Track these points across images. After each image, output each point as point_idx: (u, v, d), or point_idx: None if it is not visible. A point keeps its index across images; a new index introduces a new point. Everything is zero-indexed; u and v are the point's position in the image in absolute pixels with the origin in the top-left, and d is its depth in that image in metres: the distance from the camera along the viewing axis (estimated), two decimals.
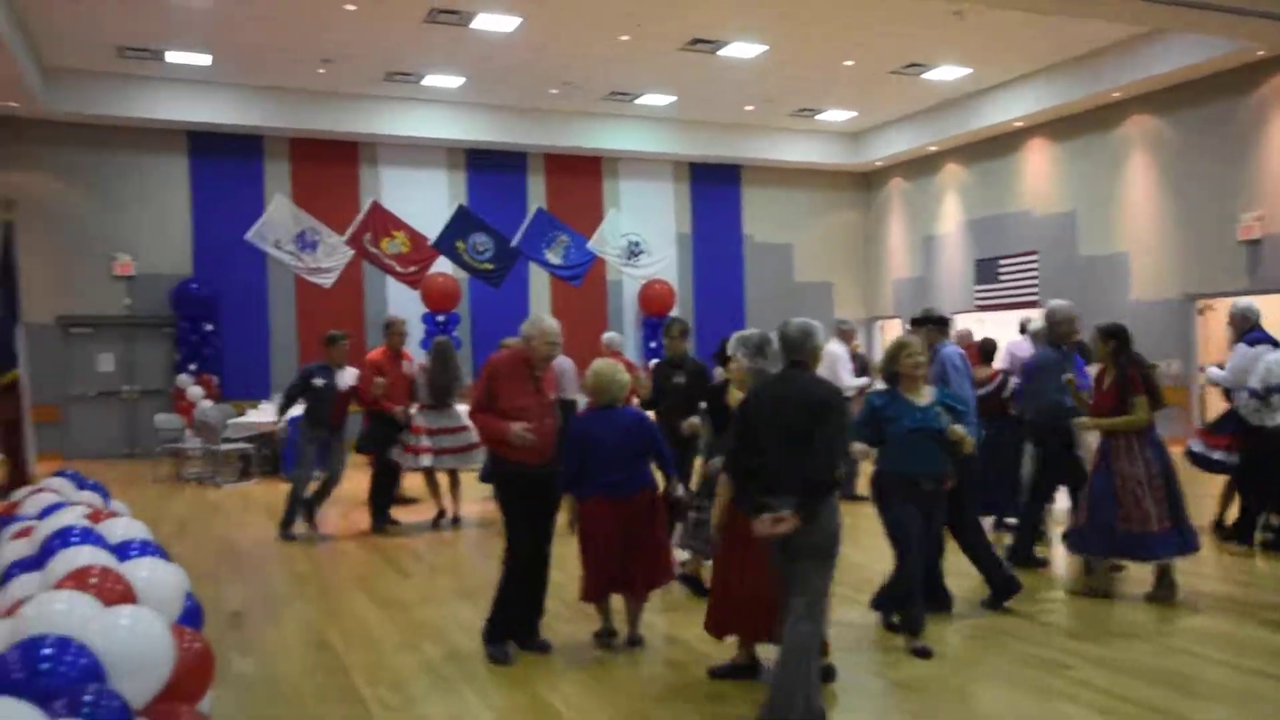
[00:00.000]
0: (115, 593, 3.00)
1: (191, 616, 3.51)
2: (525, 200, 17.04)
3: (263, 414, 12.63)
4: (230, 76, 14.33)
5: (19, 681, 2.27)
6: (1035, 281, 15.71)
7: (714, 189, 18.44)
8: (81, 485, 5.61)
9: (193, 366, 14.65)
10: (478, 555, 7.52)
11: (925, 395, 4.91)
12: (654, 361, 9.35)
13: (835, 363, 8.85)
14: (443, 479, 8.82)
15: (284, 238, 15.57)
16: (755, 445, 3.83)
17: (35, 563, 3.63)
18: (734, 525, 4.25)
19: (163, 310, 14.99)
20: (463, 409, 8.86)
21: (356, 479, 9.53)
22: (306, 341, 15.42)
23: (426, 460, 8.57)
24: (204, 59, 13.44)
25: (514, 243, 16.64)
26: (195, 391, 14.01)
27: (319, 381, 8.47)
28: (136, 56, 13.27)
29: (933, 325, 6.26)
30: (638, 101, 16.03)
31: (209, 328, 14.93)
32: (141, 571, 3.26)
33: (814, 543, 3.73)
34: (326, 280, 15.80)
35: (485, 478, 7.06)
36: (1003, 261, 16.38)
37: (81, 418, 14.63)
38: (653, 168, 17.92)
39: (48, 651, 2.35)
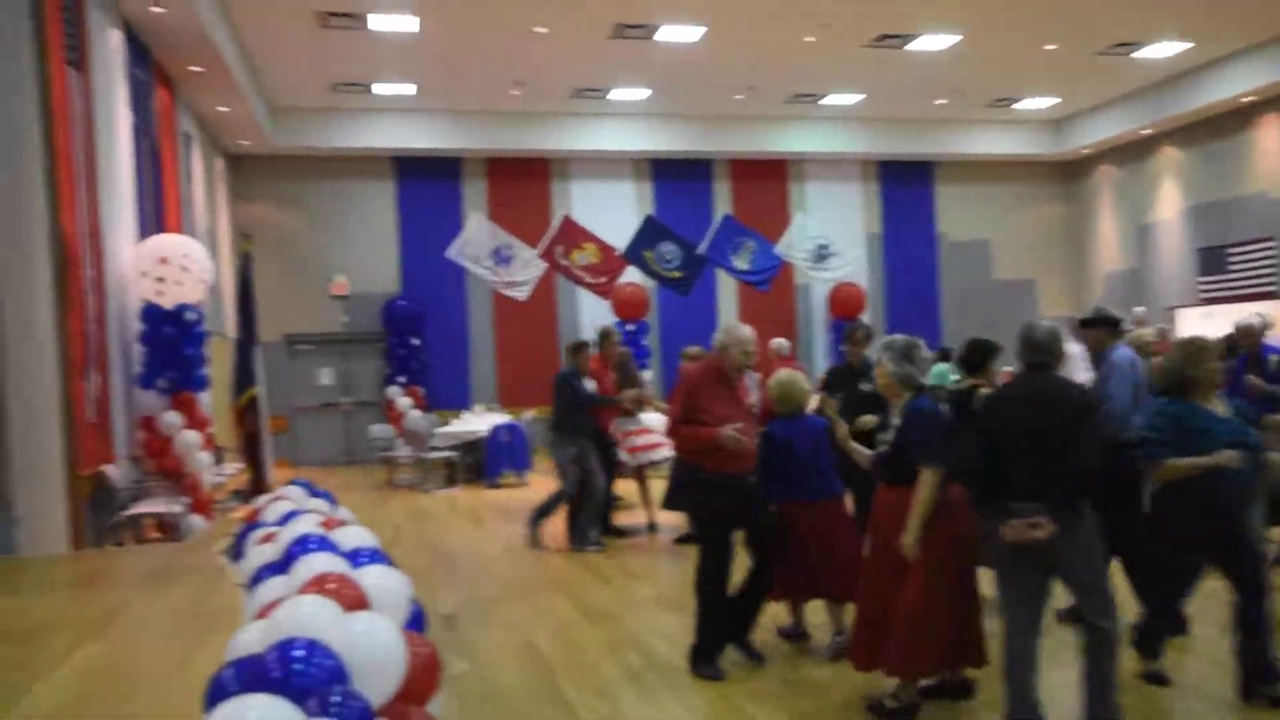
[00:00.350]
0: (351, 598, 3.20)
1: (416, 621, 3.71)
2: (711, 207, 17.11)
3: (466, 423, 13.25)
4: (432, 103, 15.15)
5: (277, 680, 2.46)
6: (1273, 270, 14.30)
7: (905, 187, 17.89)
8: (313, 493, 6.04)
9: (401, 379, 15.59)
10: (672, 563, 7.57)
11: (1220, 406, 4.28)
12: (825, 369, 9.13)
13: (1072, 363, 8.28)
14: (629, 485, 9.02)
15: (482, 254, 16.26)
16: (1000, 450, 3.69)
17: (280, 567, 3.93)
18: (886, 547, 4.09)
19: (374, 326, 16.03)
20: (646, 416, 9.14)
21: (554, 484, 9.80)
22: (504, 353, 16.10)
23: (627, 458, 8.83)
24: (409, 89, 14.29)
25: (701, 250, 16.71)
26: (404, 402, 14.89)
27: (584, 389, 8.35)
28: (348, 90, 14.26)
29: (1104, 326, 5.67)
30: (823, 102, 15.77)
31: (415, 342, 15.84)
32: (372, 578, 3.47)
33: (1081, 545, 3.61)
34: (521, 293, 16.37)
35: (672, 502, 6.77)
36: (1232, 250, 15.00)
37: (306, 428, 15.84)
38: (840, 168, 17.59)
39: (299, 653, 2.53)
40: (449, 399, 15.74)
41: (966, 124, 17.18)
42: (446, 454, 12.61)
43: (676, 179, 17.04)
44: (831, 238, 17.30)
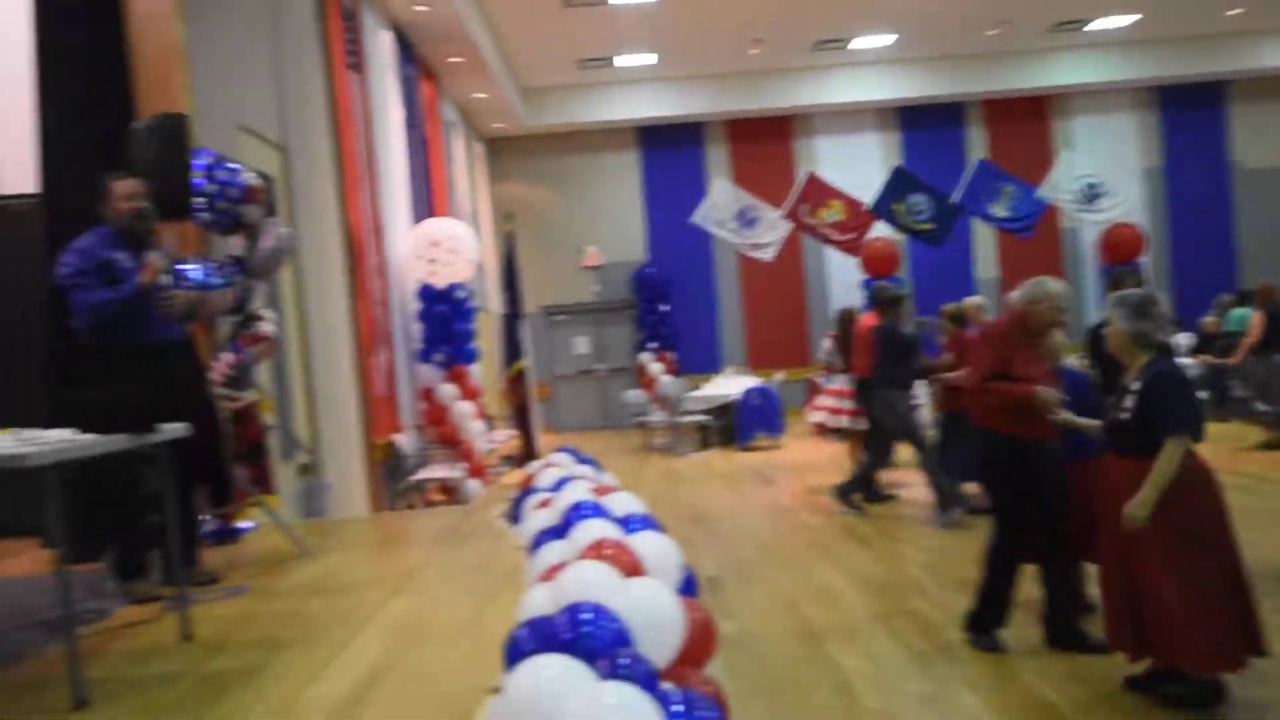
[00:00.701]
0: (627, 563, 3.32)
1: (688, 586, 3.80)
2: (964, 153, 16.20)
3: (717, 387, 13.40)
4: (672, 71, 15.30)
5: (568, 641, 2.59)
6: None
7: (1190, 113, 16.12)
8: (579, 459, 6.33)
9: (653, 345, 15.99)
10: (936, 532, 7.29)
11: None
12: None
13: None
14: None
15: (726, 217, 16.30)
16: None
17: (558, 532, 4.14)
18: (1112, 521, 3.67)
19: (624, 294, 16.52)
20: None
21: (807, 447, 9.71)
22: (751, 315, 16.10)
23: (844, 421, 8.67)
24: (650, 58, 14.50)
25: (954, 199, 15.88)
26: (656, 368, 15.28)
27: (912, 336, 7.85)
28: (592, 65, 14.66)
29: None
30: (1089, 28, 14.43)
31: (664, 308, 16.17)
32: (645, 544, 3.58)
33: None
34: (767, 255, 16.27)
35: (977, 474, 6.32)
36: None
37: (565, 395, 16.64)
38: (1110, 99, 16.11)
39: (587, 616, 2.65)
40: (699, 363, 15.98)
41: (1268, 35, 15.16)
42: (699, 418, 12.81)
43: (925, 127, 16.26)
44: (1102, 175, 15.93)
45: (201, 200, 5.13)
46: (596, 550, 3.34)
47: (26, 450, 2.83)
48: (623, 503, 4.24)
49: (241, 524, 5.72)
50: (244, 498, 5.49)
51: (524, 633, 2.91)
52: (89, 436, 3.15)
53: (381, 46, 9.98)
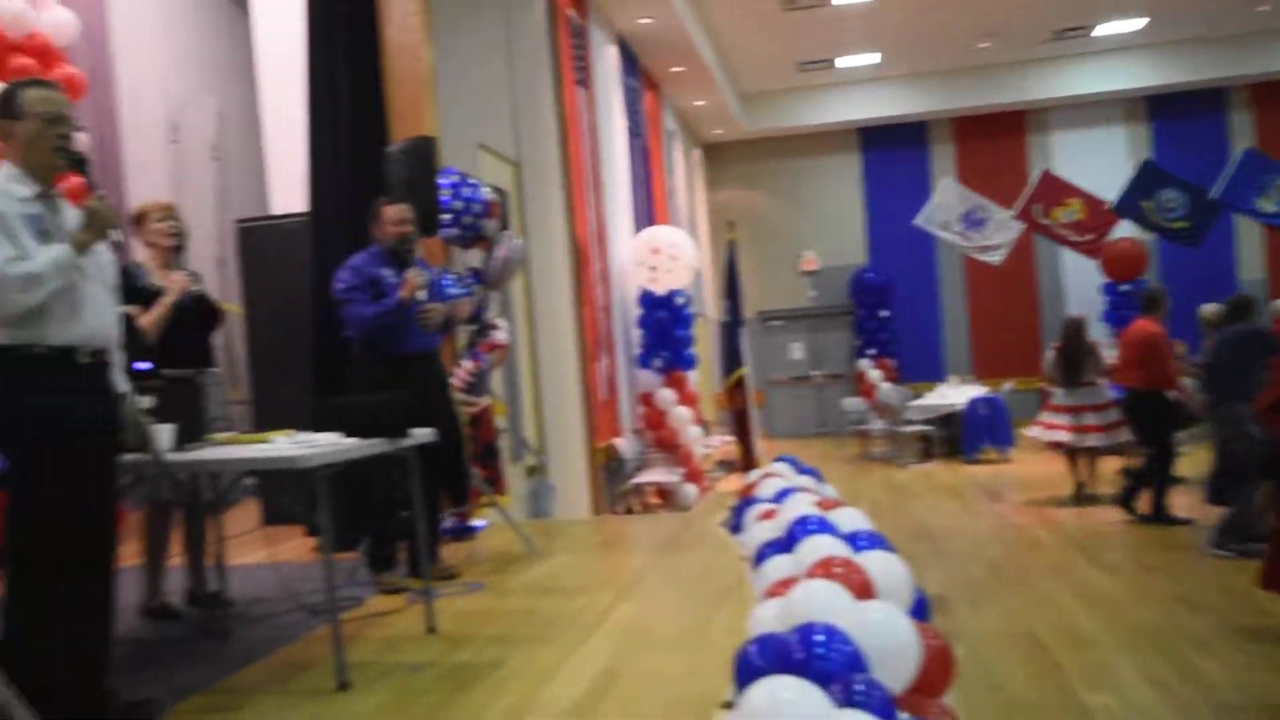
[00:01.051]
0: (857, 583, 3.23)
1: (920, 609, 3.65)
2: (1226, 143, 14.76)
3: (940, 395, 12.88)
4: (896, 70, 14.86)
5: (800, 662, 2.55)
6: None
7: None
8: (800, 470, 6.25)
9: (871, 351, 15.57)
10: (1196, 559, 6.66)
11: None
12: None
13: None
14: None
15: (952, 219, 15.62)
16: None
17: (783, 546, 4.10)
18: None
19: (842, 300, 16.19)
20: (1105, 386, 8.35)
21: (1038, 460, 9.16)
22: (978, 321, 15.35)
23: (1064, 436, 8.21)
24: (873, 58, 14.15)
25: (1214, 194, 14.49)
26: (875, 375, 14.87)
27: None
28: (812, 68, 14.48)
29: None
30: None
31: (884, 313, 15.71)
32: (875, 563, 3.47)
33: None
34: (995, 257, 15.45)
35: (1218, 496, 5.66)
36: None
37: (780, 401, 16.51)
38: None
39: (820, 638, 2.60)
40: (920, 371, 15.41)
41: None
42: (921, 427, 12.36)
43: (1179, 116, 14.95)
44: None
45: (448, 216, 5.46)
46: (825, 568, 3.27)
47: (302, 453, 3.10)
48: (849, 519, 4.14)
49: (476, 522, 6.04)
50: (478, 497, 5.79)
51: (754, 649, 2.88)
52: (351, 441, 3.41)
53: (607, 60, 10.29)
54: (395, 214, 4.73)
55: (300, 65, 5.92)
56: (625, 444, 9.88)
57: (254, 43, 7.26)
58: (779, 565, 3.81)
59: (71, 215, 2.90)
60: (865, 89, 15.39)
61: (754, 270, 16.34)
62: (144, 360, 3.53)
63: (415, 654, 3.61)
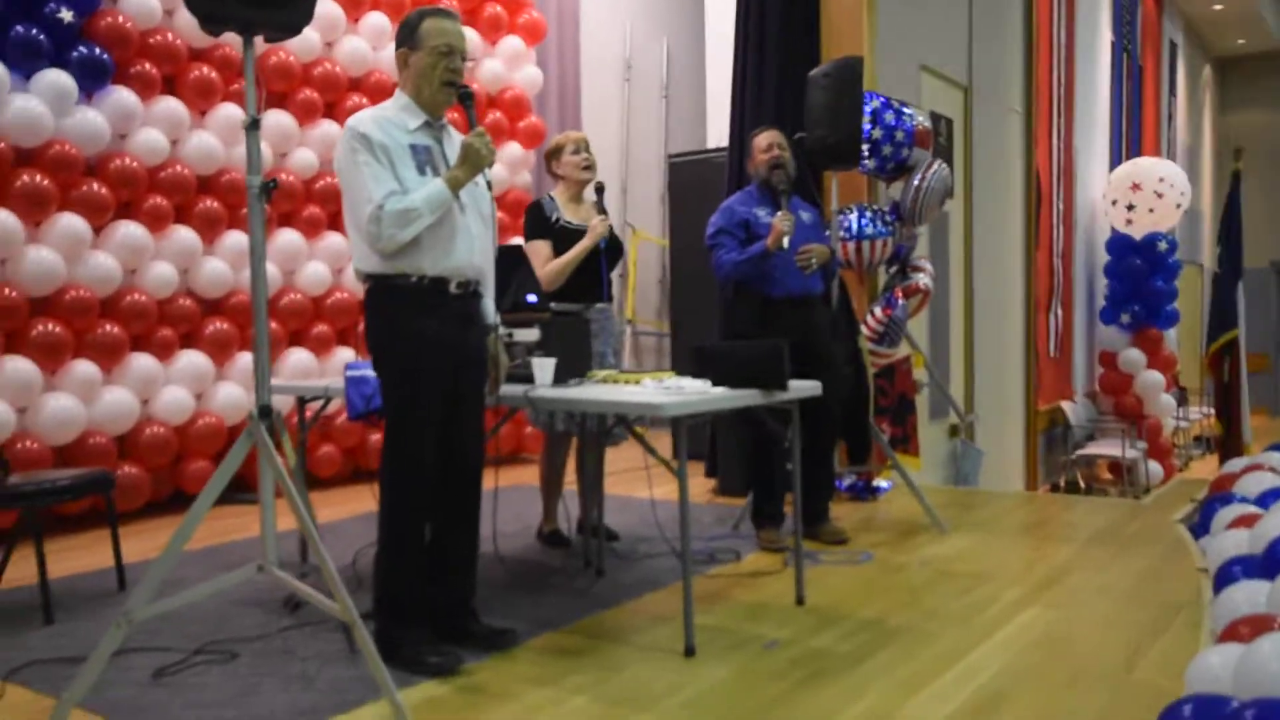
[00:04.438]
0: None
1: None
2: None
3: None
4: None
5: None
6: None
7: None
8: None
9: None
10: None
11: None
12: None
13: None
14: None
15: None
16: None
17: (1259, 568, 3.17)
18: None
19: None
20: None
21: None
22: None
23: None
24: None
25: None
26: None
27: None
28: None
29: None
30: None
31: None
32: None
33: None
34: None
35: None
36: None
37: None
38: None
39: None
40: None
41: None
42: None
43: None
44: None
45: (865, 147, 4.95)
46: None
47: (665, 400, 2.91)
48: None
49: (881, 483, 5.57)
50: (882, 457, 5.31)
51: (1188, 711, 2.22)
52: (719, 390, 3.16)
53: None
54: (764, 141, 4.38)
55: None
56: (1075, 408, 8.69)
57: None
58: (1248, 594, 2.96)
59: (457, 146, 2.93)
60: None
61: (1270, 210, 13.50)
62: (533, 293, 3.55)
63: (774, 627, 3.30)
